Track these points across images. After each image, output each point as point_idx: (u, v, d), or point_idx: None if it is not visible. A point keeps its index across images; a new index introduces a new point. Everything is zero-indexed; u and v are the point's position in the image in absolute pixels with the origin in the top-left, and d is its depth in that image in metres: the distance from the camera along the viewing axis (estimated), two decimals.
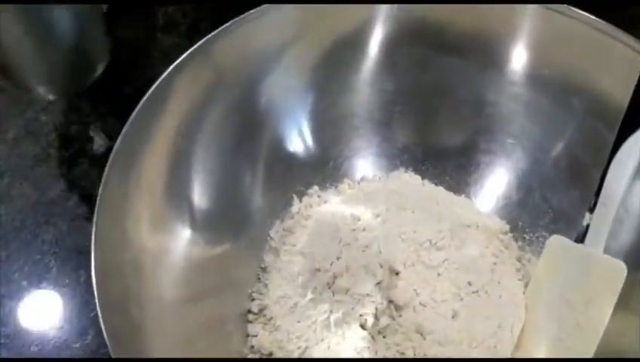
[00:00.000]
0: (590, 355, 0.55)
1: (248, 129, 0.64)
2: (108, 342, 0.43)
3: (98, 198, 0.48)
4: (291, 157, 0.68)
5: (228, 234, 0.62)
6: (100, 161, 0.63)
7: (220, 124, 0.61)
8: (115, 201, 0.50)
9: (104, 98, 0.76)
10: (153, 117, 0.54)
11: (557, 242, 0.60)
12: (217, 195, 0.61)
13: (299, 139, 0.69)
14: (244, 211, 0.65)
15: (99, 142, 0.72)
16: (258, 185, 0.66)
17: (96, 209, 0.47)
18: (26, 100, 0.77)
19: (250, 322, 0.61)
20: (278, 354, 0.59)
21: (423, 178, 0.72)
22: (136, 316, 0.47)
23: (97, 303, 0.44)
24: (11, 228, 0.68)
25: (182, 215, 0.57)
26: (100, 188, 0.49)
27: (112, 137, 0.71)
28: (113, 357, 0.43)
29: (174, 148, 0.56)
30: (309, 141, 0.69)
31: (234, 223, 0.63)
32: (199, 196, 0.59)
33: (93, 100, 0.76)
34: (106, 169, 0.49)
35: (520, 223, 0.68)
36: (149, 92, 0.54)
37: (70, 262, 0.66)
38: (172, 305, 0.53)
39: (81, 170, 0.71)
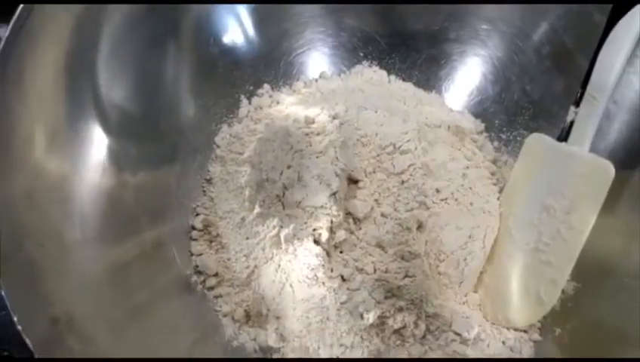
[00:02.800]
0: (570, 267, 0.49)
1: (169, 19, 0.53)
2: (4, 294, 0.36)
3: None
4: (233, 51, 0.59)
5: (160, 145, 0.54)
6: None
7: (131, 16, 0.49)
8: None
9: None
10: (45, 11, 0.42)
11: (537, 141, 0.53)
12: (138, 99, 0.51)
13: (239, 31, 0.59)
14: (179, 116, 0.56)
15: None
16: (192, 84, 0.57)
17: None
18: None
19: (195, 240, 0.55)
20: (225, 275, 0.53)
21: (389, 73, 0.64)
22: (35, 256, 0.40)
23: None
24: None
25: (90, 127, 0.47)
26: None
27: None
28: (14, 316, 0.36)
29: (71, 47, 0.44)
30: (252, 33, 0.60)
31: (167, 131, 0.55)
32: (113, 102, 0.48)
33: None
34: None
35: (496, 121, 0.61)
36: None
37: None
38: (83, 239, 0.44)
39: None
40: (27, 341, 0.36)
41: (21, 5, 0.41)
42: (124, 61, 0.49)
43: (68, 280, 0.42)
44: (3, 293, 0.36)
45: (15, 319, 0.36)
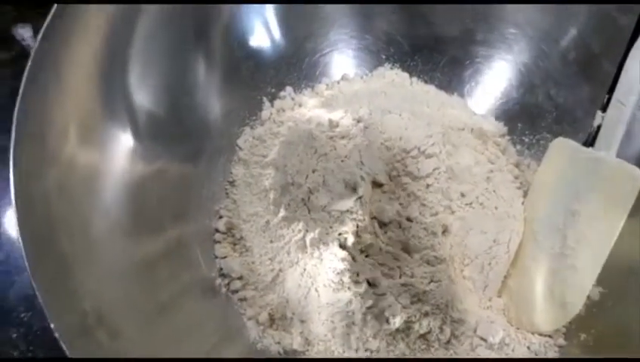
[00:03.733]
0: (597, 272, 0.49)
1: (200, 21, 0.53)
2: (35, 286, 0.36)
3: (16, 109, 0.39)
4: (257, 53, 0.59)
5: (184, 145, 0.54)
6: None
7: (162, 17, 0.50)
8: (36, 111, 0.40)
9: None
10: (79, 10, 0.43)
11: (562, 145, 0.52)
12: (166, 99, 0.52)
13: (264, 33, 0.59)
14: (204, 117, 0.56)
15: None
16: (218, 86, 0.57)
17: (14, 121, 0.39)
18: None
19: (218, 242, 0.55)
20: (250, 278, 0.53)
21: (411, 75, 0.64)
22: (66, 249, 0.40)
23: (20, 239, 0.36)
24: None
25: (119, 124, 0.48)
26: (19, 97, 0.39)
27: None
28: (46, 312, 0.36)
29: (107, 46, 0.45)
30: (277, 35, 0.60)
31: (191, 132, 0.55)
32: (142, 101, 0.49)
33: None
34: (25, 72, 0.40)
35: (519, 125, 0.61)
36: None
37: None
38: (110, 233, 0.45)
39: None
40: (57, 336, 0.36)
41: (55, 5, 0.41)
42: (154, 61, 0.50)
43: (96, 273, 0.42)
44: (35, 287, 0.36)
45: (47, 314, 0.36)
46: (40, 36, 0.41)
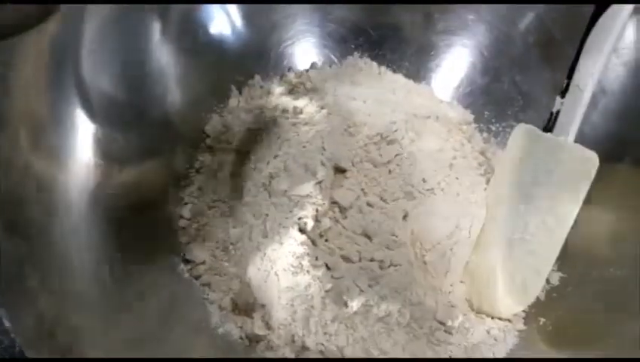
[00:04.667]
0: (554, 257, 0.50)
1: (157, 9, 0.53)
2: None
3: None
4: (222, 42, 0.59)
5: (148, 132, 0.53)
6: None
7: (116, 6, 0.48)
8: None
9: None
10: None
11: (523, 131, 0.53)
12: (124, 88, 0.50)
13: (227, 23, 0.59)
14: (167, 105, 0.55)
15: None
16: (181, 73, 0.56)
17: None
18: None
19: (182, 228, 0.55)
20: (213, 263, 0.53)
21: (379, 64, 0.64)
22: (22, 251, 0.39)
23: None
24: None
25: (75, 120, 0.46)
26: None
27: None
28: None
29: (54, 38, 0.43)
30: (240, 24, 0.60)
31: (155, 119, 0.54)
32: (98, 93, 0.47)
33: None
34: None
35: (486, 113, 0.61)
36: None
37: None
38: (70, 231, 0.44)
39: None
40: (16, 339, 0.36)
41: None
42: (110, 51, 0.49)
43: (57, 274, 0.42)
44: None
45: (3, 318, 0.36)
46: None
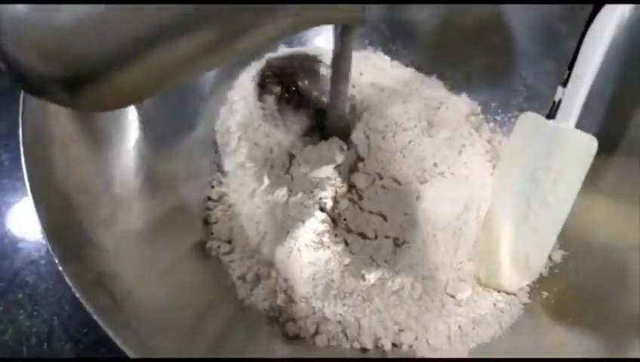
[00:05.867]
0: (556, 234, 0.53)
1: None
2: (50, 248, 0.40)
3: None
4: None
5: (181, 128, 0.59)
6: None
7: None
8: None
9: None
10: None
11: (528, 119, 0.57)
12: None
13: None
14: (195, 104, 0.61)
15: None
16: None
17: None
18: None
19: (210, 210, 0.59)
20: (238, 241, 0.57)
21: (392, 59, 0.68)
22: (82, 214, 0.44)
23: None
24: None
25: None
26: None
27: None
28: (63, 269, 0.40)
29: None
30: None
31: (186, 117, 0.60)
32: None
33: None
34: None
35: (492, 104, 0.65)
36: None
37: None
38: (126, 198, 0.50)
39: None
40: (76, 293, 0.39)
41: None
42: None
43: (111, 238, 0.46)
44: (50, 248, 0.40)
45: (62, 270, 0.39)
46: None
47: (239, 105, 0.60)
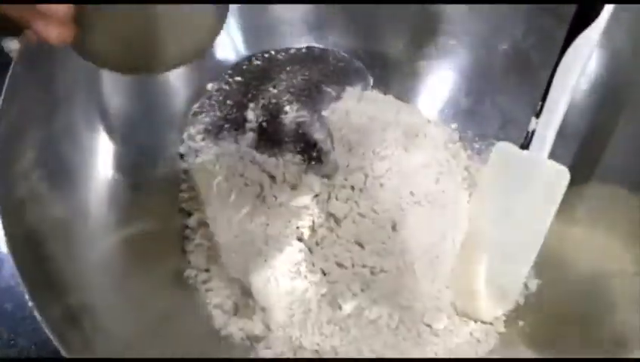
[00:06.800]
0: (530, 263, 0.54)
1: None
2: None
3: None
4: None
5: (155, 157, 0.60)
6: None
7: None
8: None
9: None
10: None
11: (503, 149, 0.57)
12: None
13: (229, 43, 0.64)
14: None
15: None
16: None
17: None
18: None
19: (187, 238, 0.59)
20: (216, 270, 0.57)
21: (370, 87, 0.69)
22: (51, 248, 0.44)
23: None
24: None
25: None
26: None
27: None
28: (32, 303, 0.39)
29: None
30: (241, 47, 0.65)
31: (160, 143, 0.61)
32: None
33: None
34: None
35: (469, 132, 0.66)
36: None
37: None
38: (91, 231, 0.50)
39: None
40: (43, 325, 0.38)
41: None
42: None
43: (82, 270, 0.46)
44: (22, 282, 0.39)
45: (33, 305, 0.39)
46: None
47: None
